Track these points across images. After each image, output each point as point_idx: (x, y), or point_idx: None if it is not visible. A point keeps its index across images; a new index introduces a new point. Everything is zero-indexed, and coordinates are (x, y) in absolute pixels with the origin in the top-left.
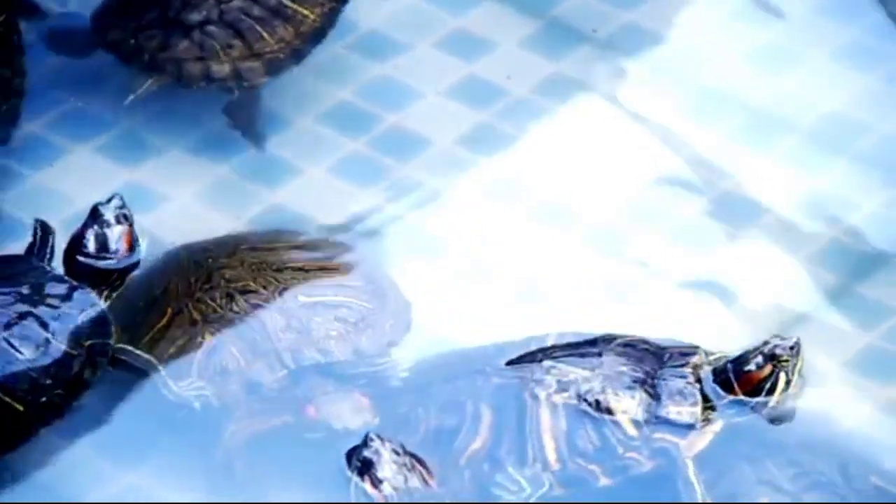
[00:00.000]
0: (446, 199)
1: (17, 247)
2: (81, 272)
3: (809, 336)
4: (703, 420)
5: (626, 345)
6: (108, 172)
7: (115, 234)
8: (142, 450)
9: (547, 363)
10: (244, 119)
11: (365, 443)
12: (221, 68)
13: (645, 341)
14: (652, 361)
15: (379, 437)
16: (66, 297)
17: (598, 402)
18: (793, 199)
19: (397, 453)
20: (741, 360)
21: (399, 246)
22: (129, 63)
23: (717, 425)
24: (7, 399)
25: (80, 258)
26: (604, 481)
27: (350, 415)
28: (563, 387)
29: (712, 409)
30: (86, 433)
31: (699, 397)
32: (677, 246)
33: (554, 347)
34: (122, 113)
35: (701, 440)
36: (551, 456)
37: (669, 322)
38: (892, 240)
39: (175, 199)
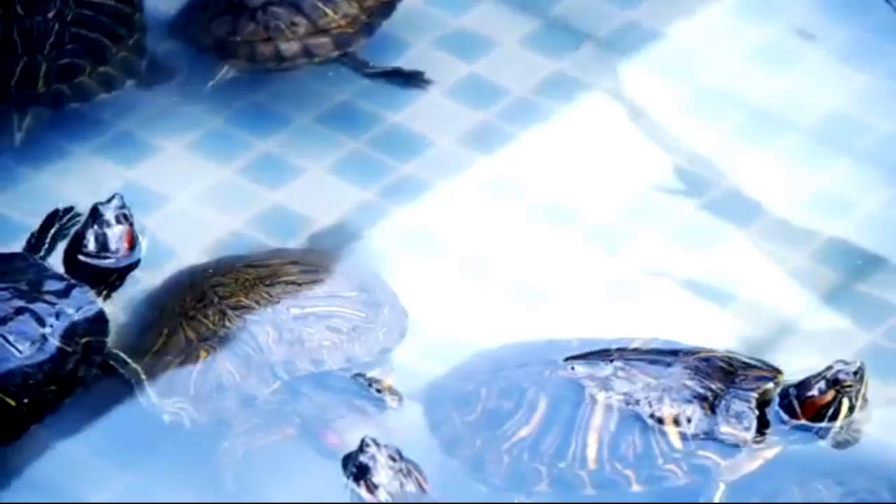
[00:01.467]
0: (446, 198)
1: (17, 247)
2: (81, 271)
3: (810, 335)
4: (755, 445)
5: (703, 359)
6: (108, 172)
7: (116, 234)
8: (134, 452)
9: (616, 364)
10: (385, 73)
11: (361, 448)
12: (290, 46)
13: (729, 359)
14: (722, 380)
15: (375, 442)
16: (64, 295)
17: (651, 410)
18: (793, 199)
19: (393, 459)
20: (804, 385)
21: (399, 246)
22: (206, 52)
23: (769, 452)
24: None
25: (81, 257)
26: (636, 488)
27: (362, 432)
28: (622, 390)
29: (770, 434)
30: (78, 431)
31: (754, 422)
32: (677, 246)
33: (628, 350)
34: (122, 113)
35: (747, 464)
36: (591, 455)
37: (669, 322)
38: (893, 239)
39: (175, 199)
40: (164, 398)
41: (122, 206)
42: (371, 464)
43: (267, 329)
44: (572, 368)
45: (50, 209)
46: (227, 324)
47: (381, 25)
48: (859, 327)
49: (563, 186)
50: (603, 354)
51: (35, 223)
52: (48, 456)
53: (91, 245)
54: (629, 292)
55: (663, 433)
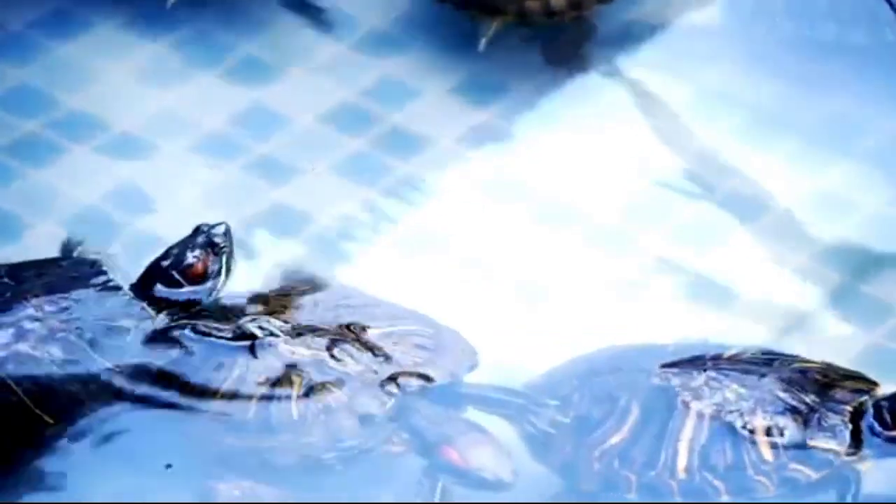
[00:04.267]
0: (446, 198)
1: (17, 247)
2: (153, 284)
3: (811, 335)
4: (847, 458)
5: (799, 371)
6: (108, 172)
7: (190, 259)
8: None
9: (710, 373)
10: (570, 53)
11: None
12: (559, 1)
13: (825, 371)
14: (817, 392)
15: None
16: (123, 312)
17: (743, 420)
18: (794, 198)
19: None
20: (894, 399)
21: (399, 246)
22: (472, 9)
23: (863, 465)
24: (38, 411)
25: (157, 270)
26: (725, 499)
27: (496, 461)
28: (715, 400)
29: (864, 448)
30: (114, 450)
31: (847, 436)
32: (678, 246)
33: (723, 359)
34: (122, 112)
35: None
36: (681, 464)
37: (670, 322)
38: (894, 239)
39: (175, 199)
40: (266, 434)
41: (219, 235)
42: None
43: (356, 349)
44: (666, 377)
45: (51, 209)
46: (312, 346)
47: None
48: (860, 327)
49: (564, 186)
50: (697, 363)
51: (35, 223)
52: (80, 471)
53: (167, 259)
54: (630, 292)
55: (754, 444)
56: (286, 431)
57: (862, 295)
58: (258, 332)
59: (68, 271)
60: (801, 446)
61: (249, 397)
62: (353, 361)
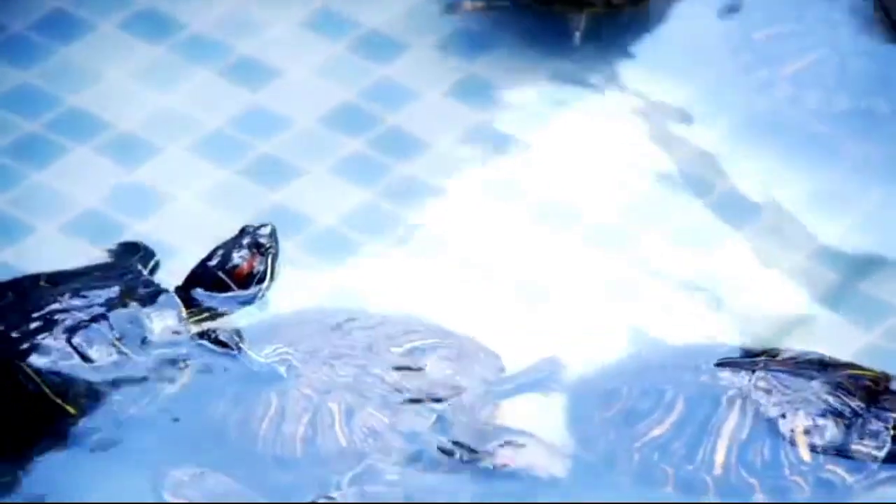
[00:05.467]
0: (446, 198)
1: (17, 248)
2: (200, 282)
3: (810, 335)
4: (885, 464)
5: (851, 377)
6: (108, 172)
7: (236, 261)
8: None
9: (759, 373)
10: None
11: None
12: None
13: (878, 379)
14: (864, 398)
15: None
16: (149, 305)
17: (785, 420)
18: (793, 198)
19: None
20: None
21: (399, 246)
22: (559, 2)
23: None
24: (58, 400)
25: (201, 270)
26: (759, 497)
27: (548, 460)
28: (760, 399)
29: None
30: (137, 444)
31: (888, 443)
32: (677, 246)
33: (776, 360)
34: (122, 112)
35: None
36: (718, 460)
37: (669, 322)
38: (893, 239)
39: (175, 199)
40: (315, 468)
41: (265, 236)
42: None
43: (388, 369)
44: (715, 374)
45: (52, 210)
46: (341, 372)
47: None
48: (858, 327)
49: (564, 186)
50: (749, 362)
51: (35, 223)
52: (99, 464)
53: (213, 260)
54: (629, 292)
55: (794, 444)
56: (338, 460)
57: (860, 294)
58: (229, 342)
59: (107, 272)
60: (841, 449)
61: (293, 433)
62: (386, 382)
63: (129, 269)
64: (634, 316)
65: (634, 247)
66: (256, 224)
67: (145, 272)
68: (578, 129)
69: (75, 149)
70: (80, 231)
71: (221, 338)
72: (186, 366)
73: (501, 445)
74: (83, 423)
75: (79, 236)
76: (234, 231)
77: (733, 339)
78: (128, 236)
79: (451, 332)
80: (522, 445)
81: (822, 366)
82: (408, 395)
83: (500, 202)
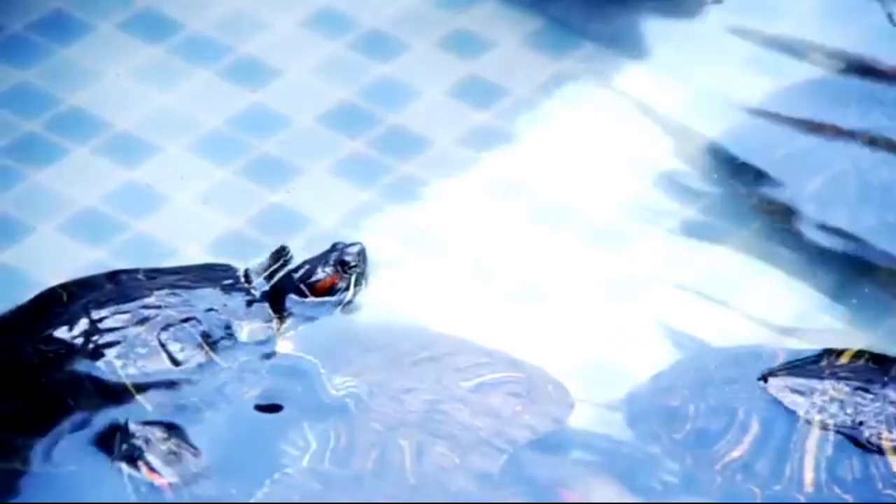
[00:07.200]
0: (446, 199)
1: (17, 248)
2: (283, 292)
3: (810, 335)
4: None
5: None
6: (108, 172)
7: (320, 276)
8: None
9: (828, 382)
10: None
11: (127, 432)
12: None
13: None
14: None
15: (139, 423)
16: (242, 312)
17: (868, 432)
18: (793, 199)
19: (162, 436)
20: None
21: (398, 246)
22: None
23: None
24: (137, 395)
25: (286, 284)
26: None
27: (617, 496)
28: (837, 411)
29: None
30: (210, 447)
31: None
32: (677, 246)
33: (838, 365)
34: (121, 112)
35: None
36: (808, 478)
37: (669, 322)
38: (893, 238)
39: (175, 199)
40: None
41: (351, 255)
42: (143, 445)
43: (454, 405)
44: (783, 386)
45: (51, 210)
46: (410, 408)
47: None
48: (859, 327)
49: (563, 186)
50: (813, 370)
51: (36, 223)
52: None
53: (299, 271)
54: (629, 292)
55: (882, 456)
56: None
57: (860, 295)
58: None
59: (203, 273)
60: None
61: (361, 468)
62: (456, 420)
63: (227, 272)
64: (634, 316)
65: (634, 246)
66: (349, 242)
67: (237, 271)
68: (578, 129)
69: (75, 149)
70: (79, 231)
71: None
72: (264, 379)
73: (571, 485)
74: (155, 420)
75: (78, 236)
76: (234, 230)
77: (733, 339)
78: (128, 236)
79: (520, 363)
80: (593, 483)
81: (887, 367)
82: (479, 435)
83: (500, 202)
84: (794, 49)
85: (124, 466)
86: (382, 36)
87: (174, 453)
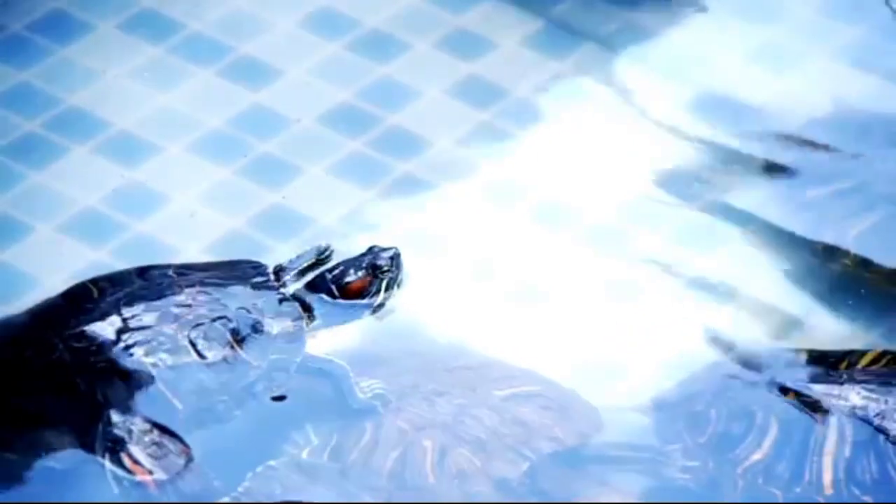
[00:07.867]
0: (446, 199)
1: (17, 248)
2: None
3: (810, 335)
4: None
5: None
6: (108, 172)
7: (352, 278)
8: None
9: (846, 386)
10: None
11: (109, 422)
12: None
13: None
14: None
15: (120, 413)
16: (272, 310)
17: (884, 434)
18: (793, 199)
19: (145, 427)
20: None
21: (399, 246)
22: None
23: None
24: (168, 393)
25: (319, 285)
26: None
27: None
28: (856, 413)
29: None
30: (233, 446)
31: None
32: (677, 246)
33: (857, 368)
34: (121, 112)
35: None
36: (827, 479)
37: (669, 322)
38: (892, 238)
39: (175, 199)
40: (399, 489)
41: (384, 259)
42: (125, 435)
43: (485, 412)
44: (802, 390)
45: (51, 210)
46: (440, 410)
47: None
48: (859, 327)
49: (563, 186)
50: (831, 374)
51: (35, 223)
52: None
53: (332, 272)
54: (629, 292)
55: None
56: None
57: (860, 295)
58: None
59: (233, 270)
60: None
61: (381, 465)
62: (484, 425)
63: (257, 269)
64: (634, 316)
65: (635, 247)
66: (385, 245)
67: (268, 270)
68: (578, 130)
69: (74, 148)
70: (79, 231)
71: (326, 367)
72: (291, 379)
73: (586, 498)
74: (185, 418)
75: (78, 236)
76: (234, 230)
77: (734, 339)
78: (128, 236)
79: (554, 382)
80: (610, 498)
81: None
82: (505, 441)
83: (499, 202)
84: (794, 49)
85: (107, 462)
86: (382, 36)
87: (157, 444)
